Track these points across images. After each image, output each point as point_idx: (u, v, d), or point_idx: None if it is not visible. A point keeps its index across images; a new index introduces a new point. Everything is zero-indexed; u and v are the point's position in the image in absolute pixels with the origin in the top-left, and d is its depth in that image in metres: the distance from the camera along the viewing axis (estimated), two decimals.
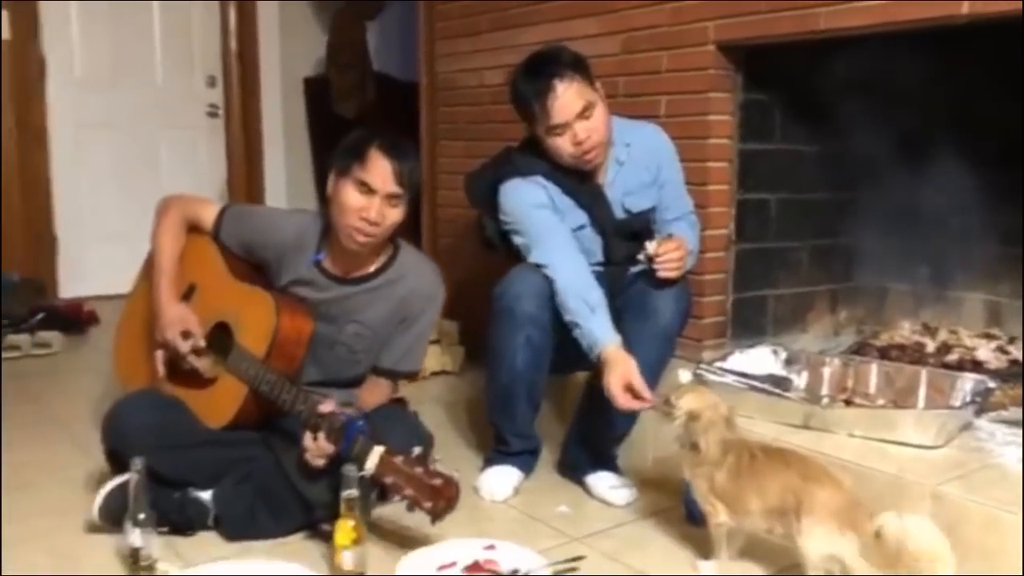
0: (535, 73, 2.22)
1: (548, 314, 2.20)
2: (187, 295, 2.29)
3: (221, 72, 5.20)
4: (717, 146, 2.63)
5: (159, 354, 2.23)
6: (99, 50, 4.79)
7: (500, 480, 2.33)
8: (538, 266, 2.22)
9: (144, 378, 2.29)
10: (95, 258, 4.73)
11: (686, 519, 2.13)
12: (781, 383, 2.35)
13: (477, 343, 3.01)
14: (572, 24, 2.99)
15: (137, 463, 1.85)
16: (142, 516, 1.84)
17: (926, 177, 2.50)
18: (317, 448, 1.91)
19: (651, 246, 2.20)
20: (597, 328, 2.13)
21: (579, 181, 2.31)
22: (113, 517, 2.00)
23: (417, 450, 1.86)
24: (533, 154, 2.32)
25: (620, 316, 2.24)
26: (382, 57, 5.26)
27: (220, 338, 2.19)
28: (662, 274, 2.19)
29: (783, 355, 2.50)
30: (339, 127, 3.53)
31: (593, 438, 2.33)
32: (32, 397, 3.16)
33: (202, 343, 2.18)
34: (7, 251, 4.44)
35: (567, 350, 2.24)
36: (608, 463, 2.34)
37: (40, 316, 3.97)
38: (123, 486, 2.00)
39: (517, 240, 2.30)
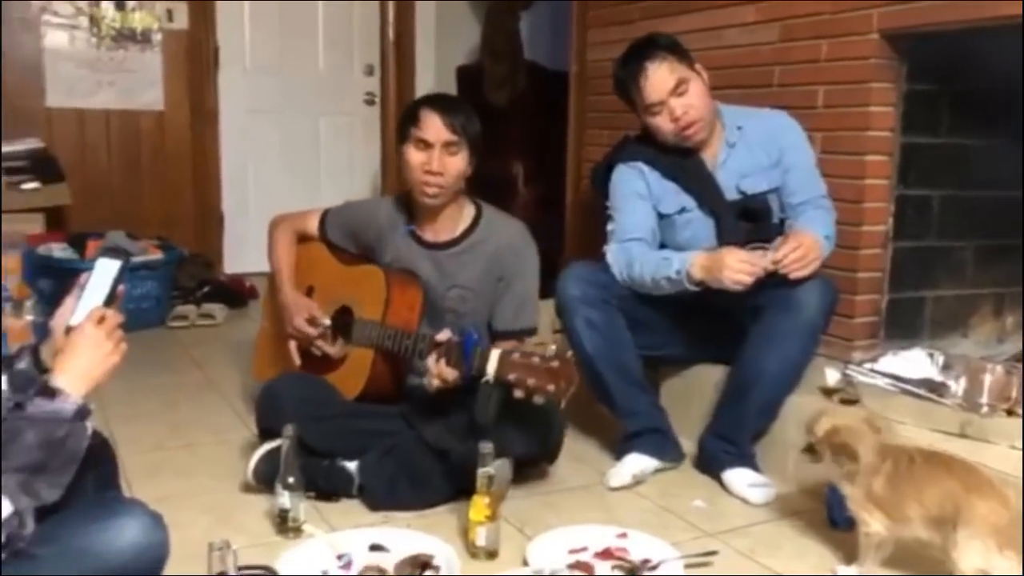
0: (630, 59, 2.33)
1: (600, 292, 2.29)
2: (308, 295, 2.49)
3: (379, 61, 5.38)
4: (877, 138, 2.51)
5: (292, 345, 2.45)
6: (268, 40, 5.04)
7: (620, 469, 2.33)
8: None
9: (276, 374, 2.45)
10: (257, 236, 4.95)
11: (828, 523, 2.06)
12: (936, 388, 2.23)
13: None
14: (728, 11, 2.93)
15: (289, 429, 1.96)
16: (291, 480, 1.95)
17: None
18: (440, 374, 2.01)
19: (770, 255, 2.14)
20: (676, 255, 2.22)
21: (686, 164, 2.34)
22: (265, 480, 2.13)
23: (531, 345, 1.93)
24: (644, 142, 2.41)
25: (761, 312, 2.21)
26: (533, 47, 5.30)
27: (343, 322, 2.36)
28: (794, 276, 2.13)
29: (940, 359, 2.36)
30: (490, 115, 3.58)
31: (733, 432, 2.29)
32: (196, 364, 3.38)
33: (327, 321, 2.37)
34: (179, 227, 4.75)
35: (702, 339, 2.27)
36: (747, 460, 2.29)
37: (206, 289, 4.23)
38: (275, 451, 2.13)
39: (608, 220, 2.41)
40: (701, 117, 2.29)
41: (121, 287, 1.56)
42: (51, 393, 1.42)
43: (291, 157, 5.17)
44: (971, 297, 2.74)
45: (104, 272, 1.57)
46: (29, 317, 3.16)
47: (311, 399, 2.19)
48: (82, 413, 1.44)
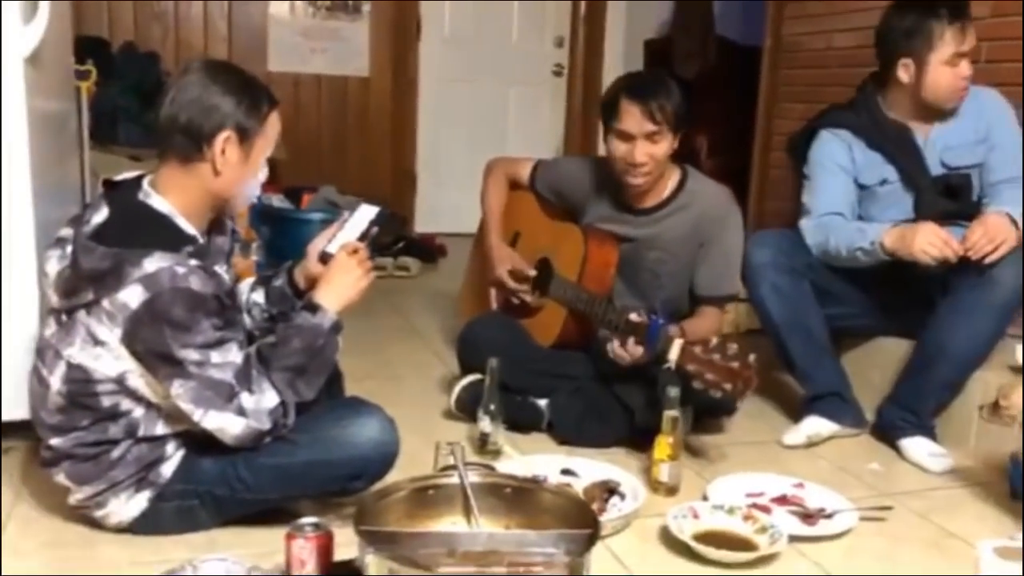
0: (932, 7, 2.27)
1: (788, 259, 2.34)
2: (513, 241, 2.68)
3: (569, 33, 5.54)
4: None
5: (492, 291, 2.65)
6: (465, 12, 5.30)
7: (796, 429, 2.39)
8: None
9: (476, 312, 2.69)
10: (446, 198, 5.29)
11: (1009, 493, 2.08)
12: None
13: None
14: None
15: (493, 363, 2.17)
16: (492, 407, 2.16)
17: None
18: (625, 351, 2.12)
19: (959, 247, 2.14)
20: (871, 226, 2.25)
21: (894, 135, 2.35)
22: (465, 409, 2.37)
23: (715, 340, 1.99)
24: (852, 109, 2.42)
25: (953, 285, 2.22)
26: (724, 21, 5.30)
27: (543, 272, 2.53)
28: (987, 261, 2.13)
29: None
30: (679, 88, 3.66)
31: (914, 402, 2.32)
32: (395, 310, 3.68)
33: (532, 273, 2.53)
34: (376, 185, 5.10)
35: (888, 311, 2.31)
36: (926, 430, 2.32)
37: (401, 244, 4.55)
38: (474, 384, 2.37)
39: (803, 189, 2.44)
40: (968, 85, 2.31)
41: (374, 229, 1.81)
42: (313, 308, 1.68)
43: (481, 125, 5.42)
44: None
45: (363, 215, 1.83)
46: (255, 258, 3.53)
47: (507, 341, 2.39)
48: (337, 327, 1.69)
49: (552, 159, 2.75)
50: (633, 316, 2.14)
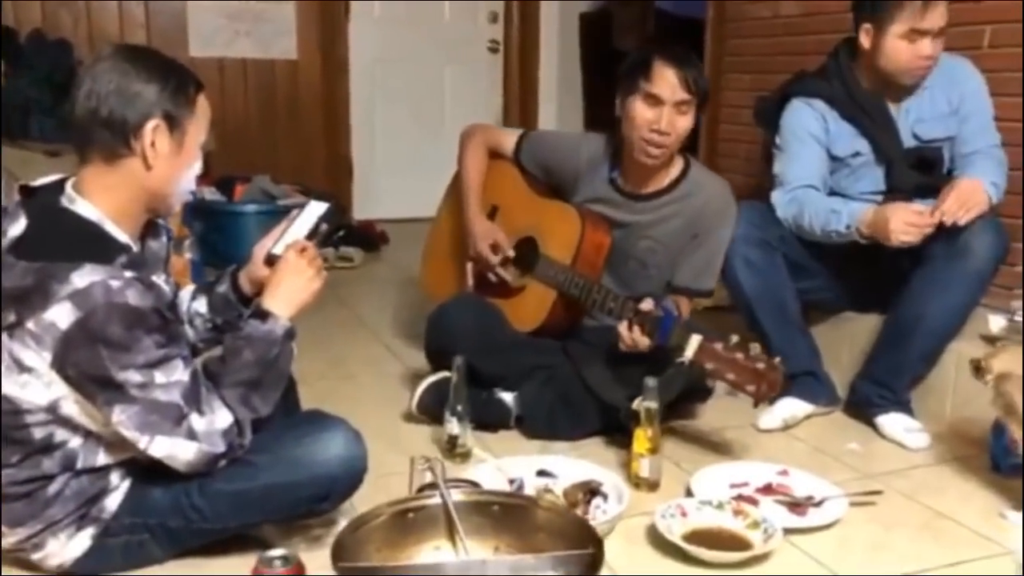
0: None
1: (760, 232, 2.27)
2: (491, 215, 2.48)
3: (503, 9, 5.39)
4: None
5: (469, 266, 2.45)
6: None
7: (771, 411, 2.32)
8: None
9: (450, 291, 2.50)
10: (384, 183, 5.12)
11: (990, 468, 2.04)
12: None
13: None
14: None
15: (458, 361, 2.05)
16: (460, 408, 2.04)
17: None
18: (632, 341, 2.01)
19: (936, 213, 2.08)
20: (845, 207, 2.18)
21: (867, 106, 2.28)
22: (428, 411, 2.23)
23: (735, 338, 1.90)
24: (825, 77, 2.34)
25: (926, 257, 2.17)
26: None
27: (525, 252, 2.36)
28: (961, 222, 2.08)
29: None
30: (615, 62, 3.56)
31: (890, 377, 2.27)
32: (341, 303, 3.52)
33: (511, 253, 2.36)
34: (311, 173, 4.90)
35: (857, 285, 2.27)
36: (903, 406, 2.27)
37: (342, 233, 4.37)
38: (438, 383, 2.23)
39: (775, 159, 2.36)
40: (935, 64, 2.23)
41: (324, 227, 1.67)
42: (263, 315, 1.53)
43: (416, 106, 5.24)
44: None
45: (311, 212, 1.69)
46: (188, 255, 3.33)
47: (483, 327, 2.24)
48: (290, 334, 1.55)
49: (541, 131, 2.59)
50: (644, 305, 2.03)
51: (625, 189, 2.28)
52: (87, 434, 1.46)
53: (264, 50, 4.88)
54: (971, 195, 2.09)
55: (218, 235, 3.79)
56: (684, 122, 2.13)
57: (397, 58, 5.18)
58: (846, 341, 2.53)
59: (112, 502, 1.51)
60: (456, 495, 1.40)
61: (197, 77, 1.54)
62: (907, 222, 2.06)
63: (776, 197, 2.33)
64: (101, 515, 1.50)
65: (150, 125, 1.43)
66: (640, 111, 2.12)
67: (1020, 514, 1.83)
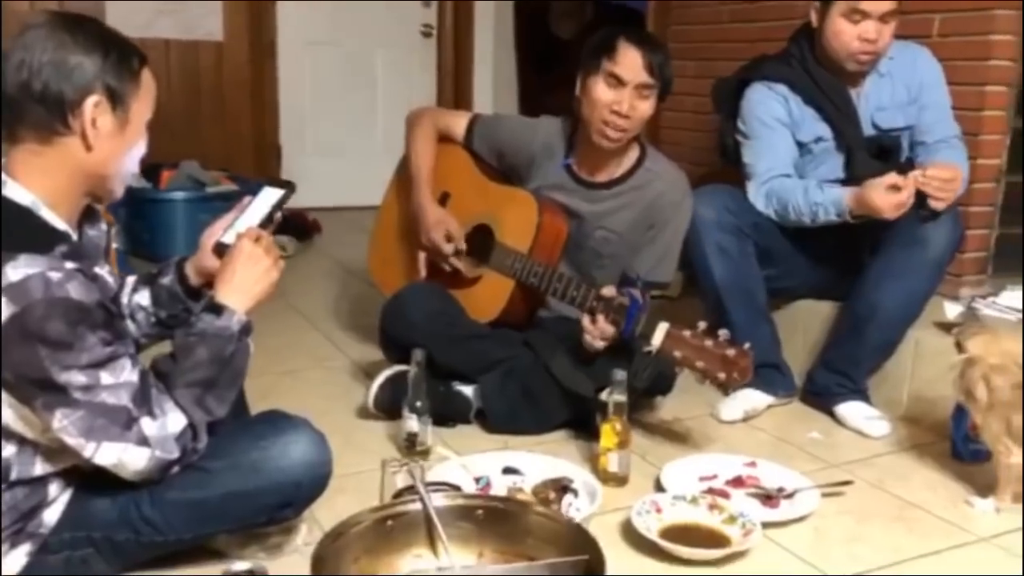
0: None
1: (735, 218, 2.22)
2: (442, 202, 2.38)
3: None
4: (998, 68, 2.44)
5: (421, 256, 2.35)
6: None
7: (731, 402, 2.29)
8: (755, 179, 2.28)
9: (401, 280, 2.39)
10: (314, 170, 4.94)
11: (952, 455, 2.05)
12: None
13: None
14: None
15: (418, 355, 1.95)
16: (419, 404, 1.95)
17: None
18: (597, 330, 1.94)
19: (916, 172, 2.07)
20: (825, 198, 2.15)
21: (829, 91, 2.25)
22: (384, 407, 2.13)
23: (702, 325, 1.85)
24: (786, 62, 2.30)
25: (885, 245, 2.17)
26: None
27: (479, 240, 2.27)
28: (933, 203, 2.07)
29: None
30: (552, 47, 3.51)
31: (848, 366, 2.27)
32: (279, 293, 3.34)
33: (463, 245, 2.27)
34: (238, 159, 4.71)
35: (818, 274, 2.26)
36: (861, 394, 2.27)
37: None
38: (393, 378, 2.13)
39: (742, 147, 2.32)
40: (886, 48, 2.21)
41: (279, 215, 1.56)
42: (217, 310, 1.41)
43: (347, 90, 5.09)
44: None
45: (266, 198, 1.58)
46: (114, 245, 3.14)
47: (442, 315, 2.14)
48: (246, 329, 1.44)
49: (494, 115, 2.48)
50: (605, 291, 1.97)
51: (580, 176, 2.21)
52: (22, 442, 1.32)
53: (187, 31, 4.65)
54: (954, 180, 2.08)
55: (144, 224, 3.60)
56: (645, 107, 2.08)
57: (327, 41, 5.02)
58: (800, 329, 2.52)
59: (51, 515, 1.38)
60: (438, 499, 1.31)
61: (140, 49, 1.41)
62: (888, 192, 2.03)
63: (751, 190, 2.28)
64: (39, 530, 1.37)
65: (90, 101, 1.30)
66: (601, 91, 2.06)
67: (985, 501, 1.83)
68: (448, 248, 2.27)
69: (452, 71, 5.36)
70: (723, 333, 1.83)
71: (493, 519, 1.30)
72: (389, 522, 1.27)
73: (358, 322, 2.94)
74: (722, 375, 1.80)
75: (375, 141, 5.09)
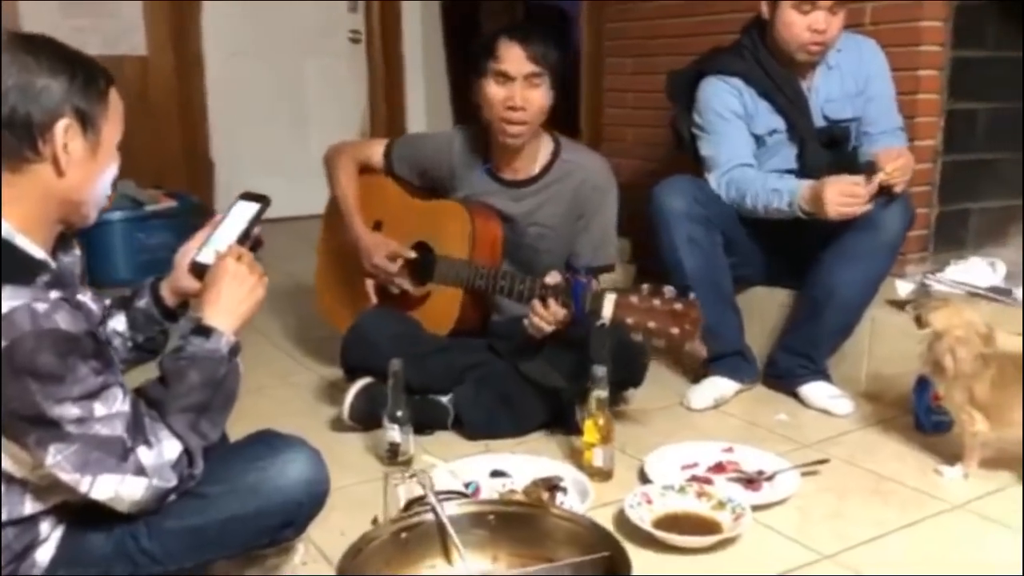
0: None
1: (703, 210, 2.26)
2: (376, 231, 2.40)
3: None
4: (928, 54, 2.54)
5: (369, 284, 2.37)
6: None
7: (700, 391, 2.35)
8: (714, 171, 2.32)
9: (354, 315, 2.38)
10: (248, 183, 4.78)
11: (915, 427, 2.13)
12: (1003, 294, 2.30)
13: (648, 262, 2.99)
14: None
15: (395, 364, 1.94)
16: (400, 414, 1.94)
17: None
18: (550, 315, 1.97)
19: (876, 178, 2.11)
20: (784, 185, 2.19)
21: (782, 84, 2.31)
22: (360, 418, 2.12)
23: (646, 287, 1.88)
24: (739, 55, 2.35)
25: (838, 231, 2.23)
26: None
27: (421, 257, 2.30)
28: (895, 189, 2.15)
29: (1001, 267, 2.44)
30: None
31: (808, 348, 2.33)
32: None
33: (411, 254, 2.29)
34: (170, 175, 4.60)
35: (773, 261, 2.31)
36: (823, 374, 2.34)
37: None
38: (367, 388, 2.13)
39: (700, 141, 2.36)
40: (834, 40, 2.26)
41: (257, 230, 1.53)
42: (206, 332, 1.39)
43: (278, 101, 5.01)
44: (1013, 208, 2.80)
45: (240, 213, 1.54)
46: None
47: (404, 335, 2.15)
48: (235, 350, 1.41)
49: (407, 136, 2.52)
50: (548, 279, 2.00)
51: (503, 178, 2.26)
52: (9, 480, 1.28)
53: (110, 46, 4.50)
54: (908, 163, 2.16)
55: (82, 248, 3.48)
56: (538, 96, 2.11)
57: (254, 51, 4.93)
58: (756, 315, 2.57)
59: (43, 555, 1.33)
60: (451, 508, 1.31)
61: (105, 69, 1.37)
62: (843, 193, 2.08)
63: (712, 180, 2.32)
64: (32, 571, 1.32)
65: (61, 125, 1.26)
66: (493, 91, 2.11)
67: (953, 468, 1.91)
68: (393, 268, 2.30)
69: (383, 77, 5.33)
70: (668, 290, 1.85)
71: (506, 523, 1.30)
72: (404, 534, 1.27)
73: (314, 335, 2.90)
74: (675, 330, 1.82)
75: (310, 151, 4.94)
